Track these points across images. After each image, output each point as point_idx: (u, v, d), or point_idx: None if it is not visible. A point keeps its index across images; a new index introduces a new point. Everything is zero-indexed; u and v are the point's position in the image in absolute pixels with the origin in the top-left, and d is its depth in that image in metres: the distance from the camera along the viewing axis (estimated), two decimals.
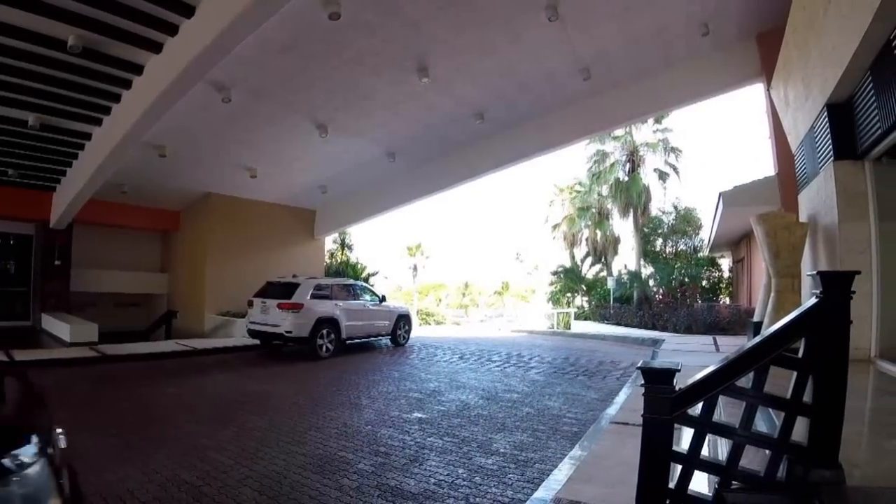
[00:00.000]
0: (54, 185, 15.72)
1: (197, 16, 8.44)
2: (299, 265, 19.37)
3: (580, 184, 32.72)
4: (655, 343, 15.95)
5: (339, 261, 29.93)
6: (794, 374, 2.73)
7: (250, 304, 14.01)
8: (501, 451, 5.89)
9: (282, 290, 13.58)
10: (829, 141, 7.28)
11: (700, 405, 2.83)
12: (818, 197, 8.10)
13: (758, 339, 2.89)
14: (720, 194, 15.19)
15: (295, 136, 14.81)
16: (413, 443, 6.32)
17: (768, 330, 2.92)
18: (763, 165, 28.23)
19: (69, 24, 8.49)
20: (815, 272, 2.77)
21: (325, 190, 19.48)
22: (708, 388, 2.81)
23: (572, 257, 33.63)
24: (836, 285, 2.67)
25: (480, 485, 4.81)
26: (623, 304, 26.14)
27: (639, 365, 2.93)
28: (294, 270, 16.60)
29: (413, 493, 4.63)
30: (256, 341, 14.18)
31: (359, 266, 29.41)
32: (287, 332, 12.94)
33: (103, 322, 15.54)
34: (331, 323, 13.58)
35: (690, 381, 2.84)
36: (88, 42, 9.03)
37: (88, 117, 11.68)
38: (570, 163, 61.26)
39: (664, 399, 2.78)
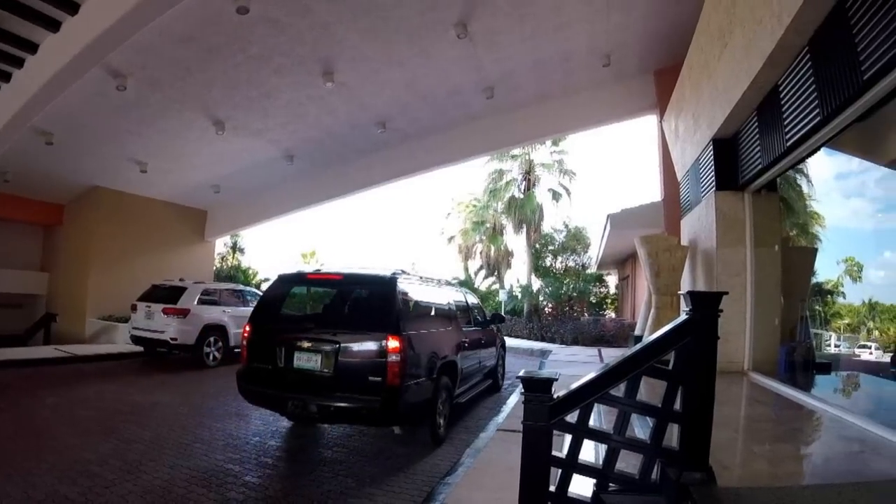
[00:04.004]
0: None
1: None
2: (187, 268, 18.58)
3: (477, 199, 33.31)
4: (544, 354, 16.47)
5: (230, 265, 28.96)
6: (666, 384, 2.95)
7: (134, 308, 13.24)
8: (391, 461, 5.94)
9: (167, 295, 12.96)
10: (713, 172, 7.92)
11: (577, 412, 3.01)
12: (699, 223, 8.75)
13: (631, 351, 3.10)
14: (608, 216, 15.99)
15: (190, 132, 14.18)
16: (302, 453, 6.28)
17: (640, 343, 3.14)
18: (650, 191, 29.92)
19: None
20: (685, 292, 3.00)
21: (218, 190, 18.76)
22: (584, 397, 3.00)
23: (466, 270, 34.06)
24: (705, 304, 2.89)
25: (372, 494, 4.84)
26: (514, 316, 26.83)
27: (519, 374, 3.09)
28: (182, 274, 15.89)
29: None
30: (140, 348, 13.41)
31: (251, 271, 28.55)
32: (172, 338, 12.33)
33: None
34: (218, 330, 13.07)
35: (566, 389, 3.01)
36: None
37: None
38: (470, 177, 62.21)
39: (543, 407, 2.94)
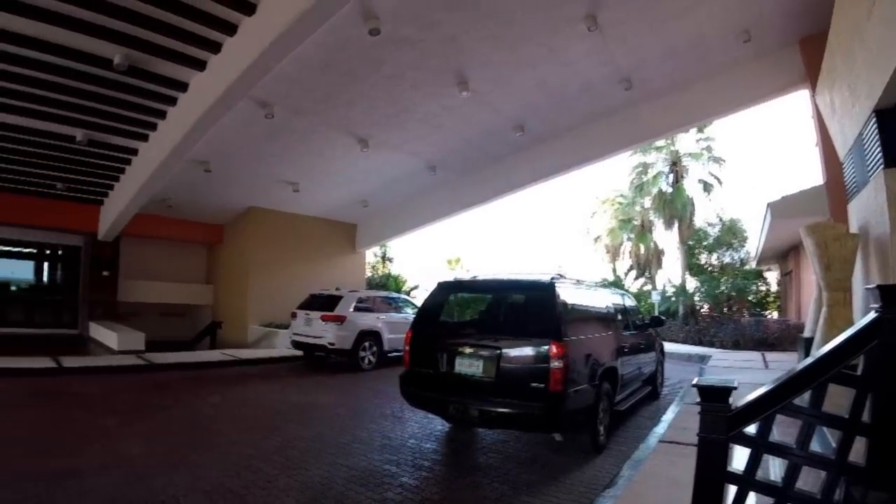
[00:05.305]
0: (102, 198, 16.24)
1: (239, 34, 8.67)
2: (341, 278, 19.55)
3: (622, 196, 32.17)
4: (702, 359, 15.58)
5: (380, 273, 30.11)
6: (853, 392, 2.61)
7: (294, 315, 14.22)
8: (546, 469, 5.83)
9: (325, 303, 13.74)
10: (879, 148, 7.00)
11: (756, 424, 2.73)
12: (868, 207, 7.77)
13: (816, 355, 2.77)
14: (768, 205, 14.81)
15: (336, 151, 14.98)
16: (457, 457, 6.34)
17: (826, 346, 2.80)
18: (811, 174, 27.40)
19: (115, 42, 8.76)
20: (873, 286, 2.64)
21: (366, 203, 19.69)
22: (765, 407, 2.69)
23: (614, 271, 32.93)
24: None
25: (529, 502, 4.76)
26: (668, 318, 25.62)
27: (693, 382, 2.85)
28: (336, 283, 16.76)
29: None
30: (300, 352, 14.36)
31: (400, 279, 29.47)
32: (330, 343, 13.05)
33: (149, 331, 15.79)
34: (373, 336, 13.65)
35: (746, 399, 2.74)
36: (134, 60, 9.31)
37: (134, 133, 12.03)
38: (613, 173, 60.23)
39: (721, 418, 2.67)
